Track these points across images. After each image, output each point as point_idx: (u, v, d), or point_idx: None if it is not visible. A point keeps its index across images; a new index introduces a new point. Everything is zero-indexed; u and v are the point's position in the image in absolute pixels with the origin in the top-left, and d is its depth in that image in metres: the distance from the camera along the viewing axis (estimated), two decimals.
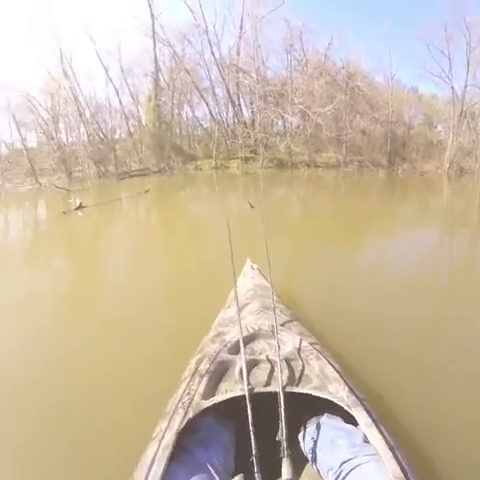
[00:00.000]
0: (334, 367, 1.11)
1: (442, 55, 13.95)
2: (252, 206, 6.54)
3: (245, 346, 1.23)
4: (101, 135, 13.92)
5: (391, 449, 0.79)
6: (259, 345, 1.27)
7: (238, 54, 15.13)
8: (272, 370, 1.10)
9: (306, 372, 1.09)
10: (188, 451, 0.92)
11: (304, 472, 0.98)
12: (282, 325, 1.38)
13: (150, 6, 14.41)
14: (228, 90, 14.02)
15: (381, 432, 0.85)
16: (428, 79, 17.12)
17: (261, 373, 1.09)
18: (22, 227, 9.40)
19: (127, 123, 13.75)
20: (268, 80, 15.36)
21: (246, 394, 0.93)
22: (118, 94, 13.98)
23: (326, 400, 0.96)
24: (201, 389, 1.04)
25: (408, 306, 2.61)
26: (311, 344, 1.25)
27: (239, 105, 14.22)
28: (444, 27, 13.17)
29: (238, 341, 1.20)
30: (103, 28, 15.38)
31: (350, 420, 0.92)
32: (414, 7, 20.94)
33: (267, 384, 1.04)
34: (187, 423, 0.91)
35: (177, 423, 0.92)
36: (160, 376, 1.76)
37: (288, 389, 0.97)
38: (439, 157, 14.94)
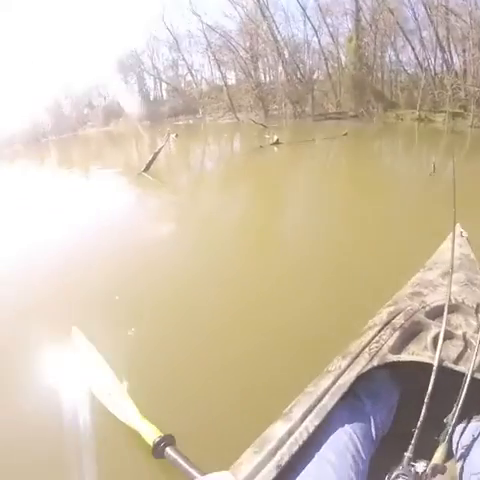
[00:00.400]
0: None
1: None
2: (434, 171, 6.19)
3: (442, 315, 1.23)
4: (299, 75, 15.18)
5: None
6: (457, 319, 1.25)
7: None
8: (465, 349, 1.09)
9: None
10: (358, 398, 0.99)
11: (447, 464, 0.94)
12: None
13: None
14: (437, 34, 14.09)
15: None
16: None
17: (452, 348, 1.10)
18: (222, 156, 10.61)
19: (326, 64, 15.04)
20: None
21: (435, 364, 0.96)
22: (317, 34, 15.03)
23: None
24: (391, 342, 1.08)
25: None
26: None
27: (449, 52, 13.79)
28: None
29: (438, 306, 1.24)
30: None
31: None
32: None
33: (456, 362, 1.04)
34: (370, 369, 0.96)
35: (360, 366, 0.96)
36: (343, 312, 2.03)
37: (477, 375, 0.95)
38: None
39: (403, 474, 0.78)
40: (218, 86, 19.37)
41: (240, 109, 17.76)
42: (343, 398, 0.94)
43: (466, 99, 14.41)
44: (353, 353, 1.05)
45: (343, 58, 16.29)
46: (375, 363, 0.99)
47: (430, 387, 0.90)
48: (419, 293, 1.45)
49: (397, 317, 1.20)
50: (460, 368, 0.99)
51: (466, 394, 0.88)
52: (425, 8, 17.07)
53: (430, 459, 0.80)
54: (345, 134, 10.79)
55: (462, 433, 0.96)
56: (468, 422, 0.97)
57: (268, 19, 17.59)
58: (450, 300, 1.27)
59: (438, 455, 0.81)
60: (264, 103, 17.11)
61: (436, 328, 1.13)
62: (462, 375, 0.94)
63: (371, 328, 1.20)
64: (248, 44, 18.36)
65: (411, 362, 1.03)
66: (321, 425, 0.87)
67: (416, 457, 0.82)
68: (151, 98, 22.79)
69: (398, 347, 1.08)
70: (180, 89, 20.81)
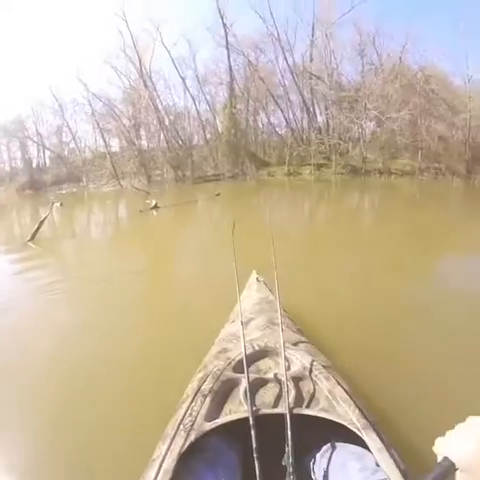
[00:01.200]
0: (344, 388, 1.12)
1: None
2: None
3: (251, 364, 1.24)
4: (180, 142, 15.60)
5: (403, 475, 0.82)
6: (266, 363, 1.28)
7: (311, 60, 16.44)
8: (280, 390, 1.12)
9: (315, 393, 1.11)
10: (193, 473, 0.95)
11: None
12: (289, 342, 1.40)
13: (222, 17, 15.94)
14: (302, 96, 15.14)
15: (392, 456, 0.88)
16: None
17: (268, 393, 1.13)
18: (104, 222, 11.05)
19: (204, 130, 15.53)
20: (342, 86, 16.15)
21: (250, 417, 0.97)
22: (195, 102, 15.83)
23: (335, 423, 1.00)
24: (204, 410, 1.06)
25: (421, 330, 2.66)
26: (320, 363, 1.25)
27: (313, 111, 15.07)
28: None
29: (242, 359, 1.22)
30: (178, 40, 17.09)
31: (360, 443, 0.95)
32: None
33: (274, 405, 1.07)
34: (190, 445, 0.95)
35: (179, 446, 0.94)
36: (159, 395, 1.81)
37: (296, 411, 1.01)
38: None
39: None
40: (102, 153, 19.53)
41: (124, 176, 17.85)
42: None
43: (329, 151, 15.99)
44: (171, 434, 1.00)
45: (219, 124, 17.42)
46: (192, 437, 0.97)
47: (253, 442, 0.92)
48: (225, 349, 1.45)
49: (206, 382, 1.17)
50: (277, 410, 1.03)
51: (295, 430, 0.93)
52: (291, 74, 19.31)
53: None
54: (218, 194, 11.81)
55: (313, 463, 1.02)
56: (313, 452, 1.02)
57: (150, 88, 18.58)
58: (253, 347, 1.32)
59: None
60: (146, 169, 17.35)
61: (246, 380, 1.13)
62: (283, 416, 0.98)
63: (184, 401, 1.16)
64: (131, 112, 19.02)
65: (235, 420, 1.03)
66: None
67: None
68: (34, 165, 22.40)
69: (213, 412, 1.07)
70: (64, 157, 20.65)
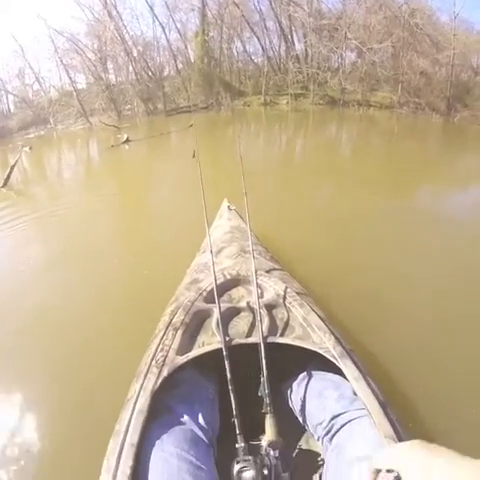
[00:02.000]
0: (319, 315, 1.11)
1: None
2: (194, 156, 7.75)
3: (223, 293, 1.25)
4: (150, 73, 14.89)
5: (381, 405, 0.82)
6: (238, 292, 1.28)
7: None
8: (253, 319, 1.11)
9: (289, 321, 1.10)
10: (168, 409, 0.93)
11: (290, 428, 0.98)
12: (262, 270, 1.39)
13: None
14: (280, 23, 14.51)
15: (370, 386, 0.87)
16: None
17: (241, 323, 1.12)
18: (75, 160, 10.86)
19: (175, 60, 14.79)
20: (322, 13, 15.47)
21: (223, 348, 0.95)
22: (165, 31, 15.08)
23: (311, 351, 0.99)
24: (176, 344, 1.04)
25: (401, 253, 2.73)
26: (294, 290, 1.25)
27: (291, 39, 14.53)
28: None
29: (214, 289, 1.21)
30: None
31: (337, 372, 0.95)
32: None
33: (248, 334, 1.07)
34: (163, 381, 0.93)
35: (151, 383, 0.92)
36: (131, 330, 1.79)
37: (270, 340, 1.00)
38: None
39: (244, 466, 0.77)
40: (68, 92, 18.40)
41: (92, 113, 17.00)
42: (153, 419, 0.88)
43: (307, 80, 15.48)
44: (143, 370, 0.97)
45: (191, 53, 16.55)
46: (165, 373, 0.94)
47: (228, 373, 0.89)
48: (196, 280, 1.41)
49: (177, 314, 1.14)
50: (250, 340, 1.01)
51: (270, 359, 0.92)
52: (268, 0, 18.23)
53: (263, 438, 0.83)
54: (191, 125, 11.20)
55: (289, 393, 1.01)
56: (289, 382, 1.02)
57: (115, 19, 17.29)
58: (225, 276, 1.31)
59: (269, 428, 0.84)
60: (116, 104, 16.52)
61: (218, 310, 1.09)
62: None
63: (156, 335, 1.13)
64: (96, 46, 17.80)
65: (210, 352, 0.99)
66: (140, 461, 0.80)
67: (250, 440, 0.82)
68: None
69: (185, 345, 1.04)
70: (28, 99, 19.43)
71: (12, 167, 6.96)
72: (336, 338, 1.01)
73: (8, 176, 6.69)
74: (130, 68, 17.03)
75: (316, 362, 1.00)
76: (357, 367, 0.92)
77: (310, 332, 1.03)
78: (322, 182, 5.04)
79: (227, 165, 5.14)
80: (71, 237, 3.67)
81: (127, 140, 10.05)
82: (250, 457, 0.77)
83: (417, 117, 15.84)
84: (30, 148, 10.77)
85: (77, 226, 3.95)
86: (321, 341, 1.00)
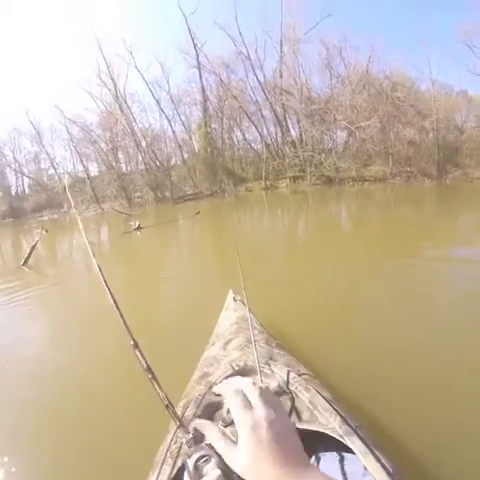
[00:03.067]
0: (324, 397, 1.19)
1: None
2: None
3: (251, 369, 1.31)
4: (157, 163, 16.41)
5: (392, 477, 0.85)
6: (264, 369, 1.37)
7: (281, 76, 17.46)
8: None
9: (296, 405, 1.17)
10: None
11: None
12: (268, 358, 1.50)
13: (193, 38, 17.01)
14: (275, 112, 16.24)
15: (379, 461, 0.90)
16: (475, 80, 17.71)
17: None
18: (92, 245, 11.48)
19: (181, 151, 16.31)
20: (313, 99, 17.25)
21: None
22: (171, 123, 16.81)
23: (319, 432, 1.04)
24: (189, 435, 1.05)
25: (404, 329, 2.75)
26: (299, 374, 1.33)
27: (286, 126, 16.21)
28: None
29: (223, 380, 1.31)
30: (151, 62, 18.51)
31: (346, 450, 0.99)
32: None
33: None
34: (178, 471, 0.99)
35: (167, 474, 0.98)
36: (145, 423, 1.80)
37: None
38: None
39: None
40: (81, 178, 20.15)
41: (104, 199, 18.48)
42: None
43: (303, 163, 16.98)
44: (159, 462, 1.05)
45: (195, 144, 18.33)
46: (179, 464, 1.00)
47: None
48: (206, 374, 1.48)
49: (189, 408, 1.21)
50: None
51: None
52: (263, 91, 20.45)
53: None
54: (197, 213, 12.61)
55: None
56: None
57: (126, 112, 19.39)
58: (233, 368, 1.36)
59: None
60: (126, 192, 18.01)
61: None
62: None
63: (171, 428, 1.19)
64: (108, 136, 19.75)
65: None
66: None
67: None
68: (12, 193, 22.80)
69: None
70: (43, 183, 21.17)
71: (32, 248, 7.59)
72: (341, 417, 1.08)
73: (29, 256, 7.31)
74: (139, 158, 18.82)
75: (325, 442, 1.05)
76: (364, 443, 0.97)
77: (317, 414, 1.11)
78: (325, 260, 5.23)
79: (231, 253, 5.53)
80: (82, 313, 3.99)
81: (138, 227, 10.88)
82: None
83: (410, 185, 16.80)
84: (46, 231, 11.98)
85: (89, 306, 4.25)
86: (327, 422, 1.06)
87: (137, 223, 11.05)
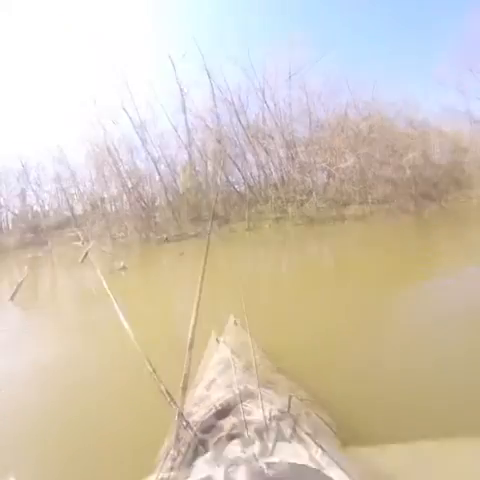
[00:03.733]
0: (325, 421, 1.30)
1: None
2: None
3: (234, 407, 1.39)
4: (143, 204, 16.83)
5: None
6: (247, 406, 1.41)
7: (263, 122, 18.31)
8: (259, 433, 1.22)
9: (297, 429, 1.22)
10: None
11: None
12: (269, 382, 1.57)
13: (179, 84, 18.07)
14: (257, 155, 16.91)
15: None
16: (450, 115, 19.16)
17: (234, 449, 1.21)
18: (75, 284, 12.28)
19: (166, 192, 16.75)
20: (294, 142, 18.20)
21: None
22: (156, 165, 17.31)
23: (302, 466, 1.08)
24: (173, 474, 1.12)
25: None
26: (301, 399, 1.43)
27: (268, 168, 17.09)
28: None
29: (223, 405, 1.39)
30: (140, 106, 19.08)
31: None
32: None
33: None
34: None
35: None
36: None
37: (260, 461, 1.09)
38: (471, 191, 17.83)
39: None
40: (66, 217, 20.44)
41: (87, 238, 18.59)
42: None
43: (285, 205, 17.76)
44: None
45: (180, 185, 19.00)
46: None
47: None
48: (207, 396, 1.56)
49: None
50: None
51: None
52: (246, 136, 21.53)
53: None
54: (181, 254, 13.08)
55: None
56: None
57: (113, 153, 20.05)
58: (234, 392, 1.44)
59: None
60: (111, 232, 18.29)
61: (228, 425, 1.25)
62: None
63: (157, 466, 1.23)
64: (94, 177, 20.30)
65: None
66: None
67: None
68: None
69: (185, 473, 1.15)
70: (27, 220, 21.42)
71: (19, 284, 8.27)
72: (323, 450, 1.11)
73: (15, 292, 8.02)
74: (124, 198, 19.32)
75: (311, 474, 1.08)
76: (345, 473, 1.01)
77: (301, 447, 1.13)
78: (305, 297, 5.54)
79: (221, 290, 5.84)
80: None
81: (123, 267, 11.36)
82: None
83: (387, 221, 17.58)
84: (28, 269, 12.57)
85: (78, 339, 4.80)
86: (309, 454, 1.09)
87: (122, 263, 11.56)
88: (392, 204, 18.78)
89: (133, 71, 26.05)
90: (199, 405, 1.58)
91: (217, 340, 2.43)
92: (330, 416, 1.47)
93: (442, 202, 18.21)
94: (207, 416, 1.39)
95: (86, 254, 17.59)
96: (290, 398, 1.38)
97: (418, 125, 20.97)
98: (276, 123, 20.82)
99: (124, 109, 20.17)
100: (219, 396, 1.56)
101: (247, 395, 1.46)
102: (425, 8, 30.28)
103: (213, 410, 1.43)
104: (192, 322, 1.38)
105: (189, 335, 1.31)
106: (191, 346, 1.26)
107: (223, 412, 1.43)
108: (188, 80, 20.75)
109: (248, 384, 1.64)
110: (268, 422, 1.28)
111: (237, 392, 1.44)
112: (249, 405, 1.41)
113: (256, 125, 21.00)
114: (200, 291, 1.45)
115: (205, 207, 17.99)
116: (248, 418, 1.31)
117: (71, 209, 20.43)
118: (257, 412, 1.35)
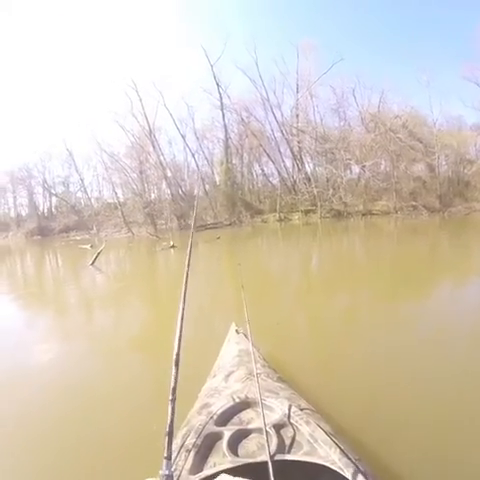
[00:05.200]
0: (324, 430, 1.26)
1: None
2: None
3: (233, 416, 1.40)
4: (181, 193, 18.73)
5: None
6: (248, 414, 1.42)
7: (297, 116, 19.52)
8: (262, 439, 1.21)
9: (296, 438, 1.23)
10: None
11: None
12: (270, 391, 1.57)
13: (217, 82, 22.16)
14: (291, 149, 18.53)
15: None
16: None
17: (250, 443, 1.25)
18: (135, 258, 15.23)
19: (203, 184, 18.64)
20: (326, 137, 19.46)
21: (231, 466, 1.09)
22: (194, 158, 19.28)
23: (319, 465, 1.09)
24: (188, 464, 1.16)
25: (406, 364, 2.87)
26: (300, 408, 1.41)
27: (301, 162, 18.80)
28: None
29: (225, 412, 1.38)
30: (178, 102, 23.39)
31: None
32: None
33: (257, 454, 1.18)
34: None
35: None
36: (144, 454, 1.86)
37: (278, 457, 1.12)
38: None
39: None
40: (109, 204, 22.82)
41: (131, 225, 20.90)
42: None
43: (315, 198, 19.33)
44: None
45: (217, 177, 20.89)
46: None
47: None
48: (207, 404, 1.58)
49: (190, 436, 1.30)
50: (259, 459, 1.17)
51: (279, 476, 1.04)
52: (280, 130, 22.95)
53: None
54: (218, 238, 15.59)
55: None
56: None
57: (154, 144, 22.13)
58: (234, 400, 1.50)
59: None
60: (152, 219, 20.48)
61: (229, 432, 1.30)
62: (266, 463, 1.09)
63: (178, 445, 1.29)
64: (137, 166, 22.48)
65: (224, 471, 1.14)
66: None
67: None
68: (39, 213, 26.07)
69: (197, 466, 1.18)
70: (72, 205, 24.03)
71: (98, 252, 11.07)
72: (341, 450, 1.15)
73: (96, 258, 10.74)
74: (163, 187, 21.41)
75: (325, 474, 1.10)
76: (364, 475, 1.04)
77: (317, 447, 1.17)
78: (332, 292, 5.61)
79: (255, 276, 6.56)
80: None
81: (173, 246, 13.95)
82: None
83: (412, 218, 18.15)
84: (92, 246, 15.71)
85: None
86: (327, 454, 1.13)
87: (171, 242, 14.23)
88: (419, 201, 19.41)
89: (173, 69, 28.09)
90: (215, 396, 1.64)
91: (237, 331, 2.50)
92: (331, 425, 1.50)
93: (471, 201, 18.81)
94: (225, 407, 1.45)
95: (133, 234, 19.92)
96: (289, 406, 1.44)
97: (454, 122, 21.43)
98: (308, 118, 22.08)
99: (165, 105, 22.17)
100: (237, 388, 1.63)
101: (253, 401, 1.49)
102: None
103: (231, 402, 1.49)
104: (177, 336, 1.26)
105: (175, 350, 1.21)
106: (177, 363, 1.18)
107: (241, 405, 1.49)
108: (225, 76, 22.44)
109: (266, 376, 1.78)
110: (285, 419, 1.35)
111: (257, 386, 1.49)
112: (268, 400, 1.48)
113: (290, 120, 22.36)
114: (183, 302, 1.35)
115: (240, 198, 19.89)
116: (267, 413, 1.35)
117: (117, 198, 22.62)
118: (277, 409, 1.42)
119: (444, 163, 21.58)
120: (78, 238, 21.40)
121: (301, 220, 18.77)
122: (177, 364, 1.21)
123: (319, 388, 2.35)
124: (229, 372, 1.86)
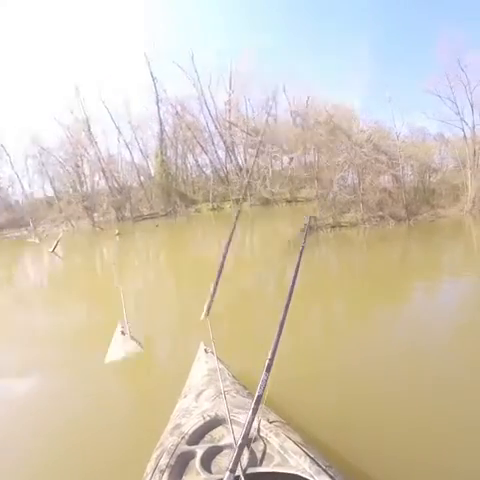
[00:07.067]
0: (294, 440, 1.33)
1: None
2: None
3: (205, 434, 1.48)
4: (116, 185, 19.72)
5: None
6: (219, 432, 1.49)
7: (230, 110, 21.01)
8: (234, 455, 1.25)
9: (267, 450, 1.30)
10: None
11: None
12: (240, 408, 1.62)
13: (152, 76, 23.30)
14: (224, 141, 20.13)
15: None
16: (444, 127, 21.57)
17: (223, 460, 1.31)
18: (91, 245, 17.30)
19: (139, 176, 19.72)
20: (258, 130, 21.16)
21: None
22: (130, 151, 20.88)
23: (291, 474, 1.15)
24: None
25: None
26: (270, 421, 1.50)
27: (233, 153, 20.53)
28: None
29: (196, 431, 1.46)
30: (114, 94, 23.71)
31: None
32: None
33: (231, 469, 1.21)
34: None
35: None
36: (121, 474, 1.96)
37: (250, 471, 1.19)
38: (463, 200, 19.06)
39: None
40: (44, 198, 23.22)
41: (68, 218, 21.61)
42: None
43: (246, 187, 21.22)
44: None
45: (151, 169, 22.22)
46: None
47: None
48: (178, 425, 1.67)
49: (162, 458, 1.37)
50: (230, 475, 1.20)
51: None
52: (214, 123, 24.55)
53: None
54: (157, 225, 18.01)
55: None
56: None
57: (90, 136, 22.76)
58: (205, 418, 1.62)
59: None
60: (89, 212, 21.36)
61: (201, 450, 1.39)
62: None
63: (144, 478, 1.37)
64: (72, 159, 23.02)
65: None
66: None
67: None
68: None
69: None
70: (3, 202, 24.03)
71: (58, 240, 13.56)
72: (311, 458, 1.23)
73: (56, 245, 13.23)
74: (96, 179, 22.26)
75: None
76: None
77: (287, 457, 1.25)
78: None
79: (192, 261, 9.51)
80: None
81: (118, 234, 16.03)
82: None
83: (379, 228, 18.22)
84: (40, 240, 17.98)
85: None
86: (298, 463, 1.21)
87: (117, 231, 16.47)
88: (385, 211, 20.63)
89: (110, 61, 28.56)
90: (186, 417, 1.75)
91: (205, 351, 2.55)
92: (301, 436, 1.56)
93: (437, 208, 19.20)
94: (196, 426, 1.55)
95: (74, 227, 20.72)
96: (259, 421, 1.51)
97: (419, 134, 22.01)
98: (240, 112, 23.88)
99: (101, 100, 22.83)
100: (208, 407, 1.75)
101: (223, 418, 1.58)
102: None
103: (201, 421, 1.60)
104: (274, 341, 1.42)
105: (268, 356, 1.37)
106: (269, 368, 1.32)
107: (212, 423, 1.60)
108: (161, 72, 23.55)
109: (236, 393, 1.90)
110: (256, 433, 1.44)
111: (225, 403, 1.58)
112: (238, 415, 1.58)
113: (223, 113, 24.01)
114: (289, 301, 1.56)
115: (174, 189, 21.38)
116: (237, 428, 1.43)
117: (56, 193, 22.92)
118: (243, 424, 1.46)
119: (410, 173, 23.17)
120: (17, 234, 21.87)
121: (232, 208, 20.50)
122: (268, 369, 1.38)
123: (289, 400, 2.43)
124: (199, 391, 1.98)
